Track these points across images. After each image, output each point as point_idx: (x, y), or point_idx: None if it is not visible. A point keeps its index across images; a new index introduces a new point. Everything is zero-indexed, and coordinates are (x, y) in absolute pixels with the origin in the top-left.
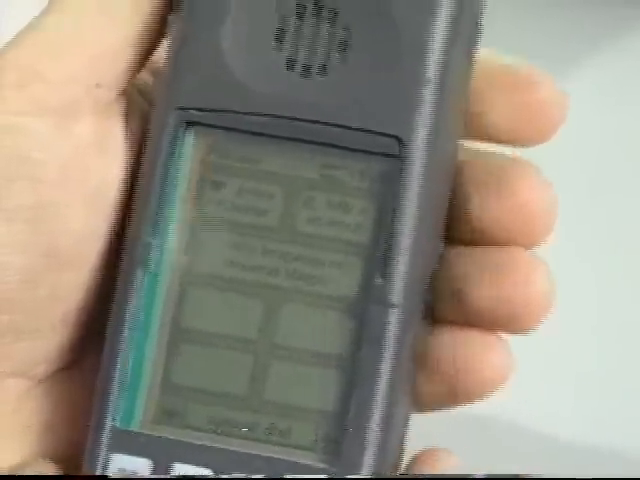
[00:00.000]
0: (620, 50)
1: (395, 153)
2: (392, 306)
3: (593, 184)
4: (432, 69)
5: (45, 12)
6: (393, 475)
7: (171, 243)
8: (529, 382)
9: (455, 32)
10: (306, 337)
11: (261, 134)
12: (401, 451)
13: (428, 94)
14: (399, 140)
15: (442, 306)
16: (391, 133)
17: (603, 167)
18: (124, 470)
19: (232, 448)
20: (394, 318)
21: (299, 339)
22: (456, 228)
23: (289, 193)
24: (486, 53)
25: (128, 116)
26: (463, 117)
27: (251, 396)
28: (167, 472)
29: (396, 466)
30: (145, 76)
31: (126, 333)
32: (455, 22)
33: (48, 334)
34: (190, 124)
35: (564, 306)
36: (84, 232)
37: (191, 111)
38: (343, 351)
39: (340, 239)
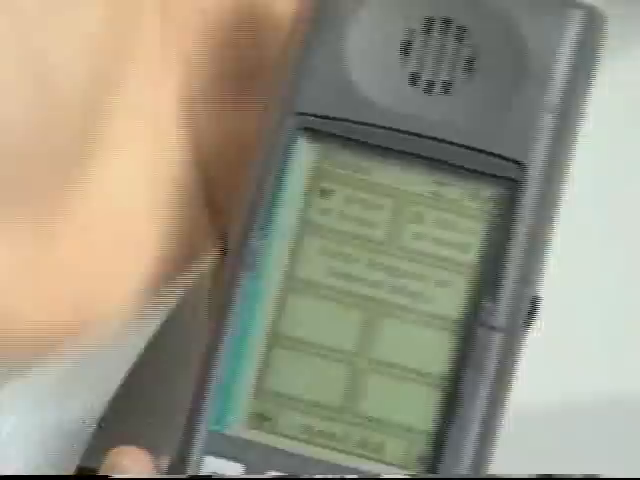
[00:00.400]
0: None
1: (514, 177)
2: (499, 330)
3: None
4: (557, 95)
5: None
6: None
7: (277, 248)
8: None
9: (580, 59)
10: (405, 353)
11: (376, 146)
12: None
13: (552, 121)
14: (520, 164)
15: None
16: (512, 157)
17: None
18: (216, 473)
19: (324, 458)
20: (500, 342)
21: (398, 355)
22: None
23: (398, 207)
24: None
25: None
26: (575, 145)
27: (345, 408)
28: None
29: None
30: None
31: (227, 336)
32: (581, 49)
33: None
34: (307, 130)
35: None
36: None
37: (309, 117)
38: (443, 371)
39: (447, 258)
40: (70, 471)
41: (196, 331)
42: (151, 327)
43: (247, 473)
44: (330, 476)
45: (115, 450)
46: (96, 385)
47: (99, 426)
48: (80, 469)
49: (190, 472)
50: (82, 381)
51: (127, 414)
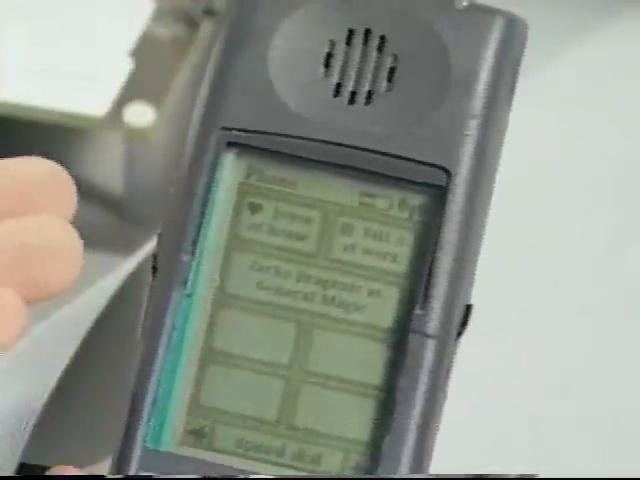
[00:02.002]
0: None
1: (441, 184)
2: (431, 337)
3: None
4: (480, 101)
5: None
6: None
7: (207, 264)
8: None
9: (502, 66)
10: (339, 364)
11: (303, 158)
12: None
13: (475, 127)
14: (446, 171)
15: None
16: (438, 164)
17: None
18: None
19: (261, 472)
20: (432, 348)
21: (332, 366)
22: None
23: (327, 219)
24: None
25: None
26: (502, 148)
27: (281, 421)
28: None
29: None
30: None
31: (159, 352)
32: (503, 56)
33: None
34: (231, 144)
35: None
36: None
37: (233, 131)
38: (377, 380)
39: (377, 268)
40: (11, 465)
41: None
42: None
43: None
44: (322, 475)
45: (53, 469)
46: (39, 371)
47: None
48: (22, 466)
49: None
50: (24, 366)
51: (69, 406)
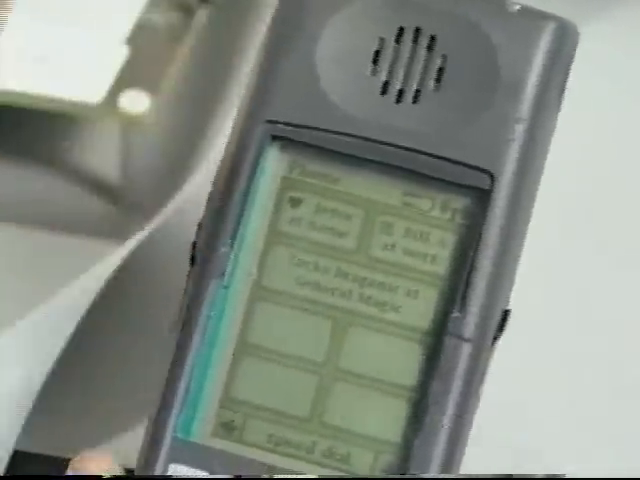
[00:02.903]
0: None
1: (485, 187)
2: (466, 340)
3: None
4: (528, 106)
5: None
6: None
7: (245, 256)
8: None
9: (551, 71)
10: (373, 364)
11: (346, 155)
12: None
13: (521, 131)
14: (490, 175)
15: None
16: (483, 167)
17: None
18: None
19: (289, 467)
20: (467, 352)
21: (366, 365)
22: None
23: (368, 217)
24: None
25: None
26: (547, 154)
27: (312, 418)
28: None
29: None
30: None
31: (193, 343)
32: (552, 61)
33: None
34: (275, 138)
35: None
36: None
37: (279, 125)
38: (410, 381)
39: (416, 268)
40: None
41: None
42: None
43: None
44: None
45: (77, 458)
46: (37, 354)
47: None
48: (16, 453)
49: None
50: (22, 349)
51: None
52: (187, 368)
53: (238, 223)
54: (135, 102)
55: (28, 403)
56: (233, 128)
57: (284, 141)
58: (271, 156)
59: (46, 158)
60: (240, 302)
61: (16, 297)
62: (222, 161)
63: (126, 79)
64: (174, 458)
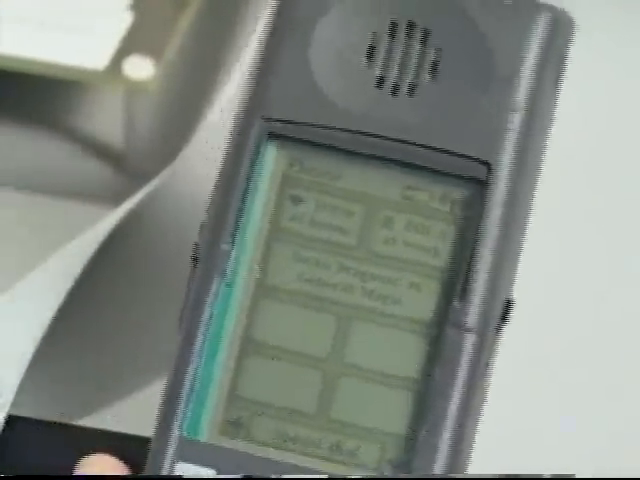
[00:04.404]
0: None
1: (482, 178)
2: (468, 330)
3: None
4: (524, 95)
5: None
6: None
7: (247, 254)
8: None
9: (547, 60)
10: (378, 357)
11: (345, 150)
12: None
13: (518, 121)
14: (488, 165)
15: None
16: (480, 158)
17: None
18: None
19: (298, 464)
20: (470, 342)
21: (370, 359)
22: None
23: (369, 212)
24: None
25: None
26: (546, 143)
27: (318, 413)
28: None
29: None
30: None
31: (197, 342)
32: (548, 50)
33: None
34: (273, 135)
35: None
36: None
37: (275, 122)
38: (415, 373)
39: (417, 261)
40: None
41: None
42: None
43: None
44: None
45: (84, 461)
46: (35, 310)
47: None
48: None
49: None
50: (20, 305)
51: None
52: (191, 367)
53: (239, 221)
54: (139, 68)
55: (25, 362)
56: (232, 126)
57: (281, 138)
58: (269, 154)
59: (47, 123)
60: (243, 300)
61: (16, 262)
62: (222, 160)
63: (130, 45)
64: (181, 457)
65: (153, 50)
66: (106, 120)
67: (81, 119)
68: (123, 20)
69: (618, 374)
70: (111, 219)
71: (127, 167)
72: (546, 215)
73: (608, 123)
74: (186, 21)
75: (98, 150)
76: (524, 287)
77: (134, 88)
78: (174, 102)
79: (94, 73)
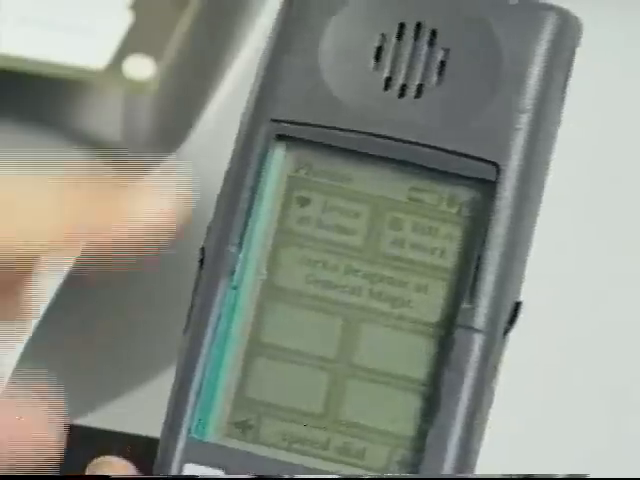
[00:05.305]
0: None
1: (491, 179)
2: (477, 331)
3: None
4: (531, 96)
5: None
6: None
7: (255, 256)
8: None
9: (554, 61)
10: (385, 358)
11: (352, 152)
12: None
13: (526, 122)
14: (496, 166)
15: None
16: (488, 159)
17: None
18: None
19: (305, 465)
20: (478, 343)
21: (378, 360)
22: None
23: (376, 213)
24: None
25: None
26: (554, 145)
27: (326, 415)
28: None
29: None
30: None
31: (205, 344)
32: (555, 51)
33: None
34: (281, 137)
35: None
36: None
37: (283, 124)
38: (423, 375)
39: (425, 263)
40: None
41: None
42: None
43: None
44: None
45: (94, 462)
46: None
47: None
48: None
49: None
50: None
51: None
52: (199, 369)
53: (246, 223)
54: (140, 68)
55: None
56: (239, 128)
57: (289, 140)
58: (277, 155)
59: (47, 123)
60: (250, 302)
61: None
62: (230, 161)
63: (130, 44)
64: (190, 458)
65: (153, 50)
66: (106, 120)
67: (81, 119)
68: (123, 20)
69: (626, 374)
70: None
71: (124, 164)
72: (546, 215)
73: (608, 123)
74: (186, 21)
75: (97, 149)
76: (528, 289)
77: (134, 88)
78: (174, 102)
79: (94, 73)
